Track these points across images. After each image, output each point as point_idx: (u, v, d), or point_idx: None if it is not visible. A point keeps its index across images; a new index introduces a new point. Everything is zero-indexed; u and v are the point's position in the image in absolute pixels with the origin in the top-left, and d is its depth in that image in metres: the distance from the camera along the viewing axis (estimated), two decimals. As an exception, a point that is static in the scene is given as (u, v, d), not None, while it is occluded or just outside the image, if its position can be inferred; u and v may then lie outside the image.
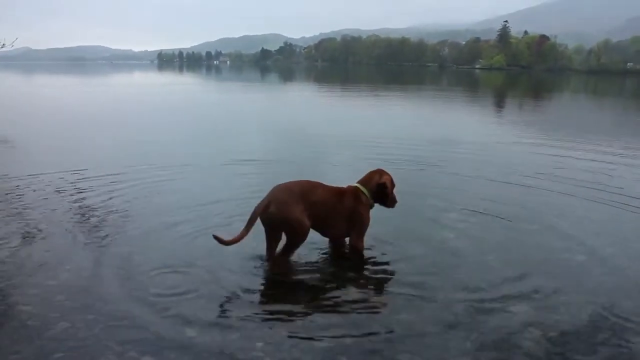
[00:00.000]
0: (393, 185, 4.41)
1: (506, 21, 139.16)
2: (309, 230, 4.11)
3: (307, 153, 9.12)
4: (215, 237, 3.86)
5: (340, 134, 11.41)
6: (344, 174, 6.43)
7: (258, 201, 4.04)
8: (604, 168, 7.85)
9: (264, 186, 4.57)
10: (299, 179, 4.25)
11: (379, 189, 4.33)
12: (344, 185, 4.39)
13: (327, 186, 4.30)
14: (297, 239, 4.08)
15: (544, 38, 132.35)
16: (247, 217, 3.94)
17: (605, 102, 28.28)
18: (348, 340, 3.05)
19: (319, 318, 3.30)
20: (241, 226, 3.93)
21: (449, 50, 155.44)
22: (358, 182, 4.39)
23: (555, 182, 6.91)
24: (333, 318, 3.31)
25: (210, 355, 2.85)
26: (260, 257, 4.16)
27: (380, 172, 4.42)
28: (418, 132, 12.01)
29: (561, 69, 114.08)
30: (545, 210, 5.64)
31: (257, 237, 4.12)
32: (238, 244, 3.90)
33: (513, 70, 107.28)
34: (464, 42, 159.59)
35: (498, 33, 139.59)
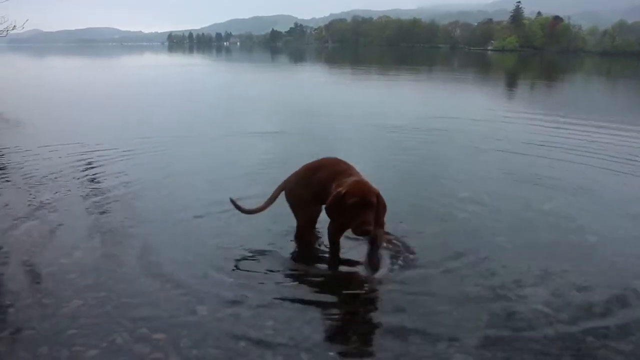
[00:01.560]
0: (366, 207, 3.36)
1: (519, 2, 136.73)
2: (313, 213, 4.02)
3: (318, 130, 9.10)
4: (233, 202, 4.02)
5: (352, 113, 11.36)
6: (355, 150, 6.41)
7: (269, 172, 4.08)
8: (620, 148, 7.76)
9: (270, 157, 4.57)
10: (332, 158, 3.98)
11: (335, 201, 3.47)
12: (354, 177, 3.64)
13: (332, 168, 3.82)
14: (299, 221, 4.06)
15: (557, 19, 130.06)
16: (263, 188, 4.00)
17: (620, 84, 27.86)
18: (358, 318, 3.07)
19: (329, 296, 3.31)
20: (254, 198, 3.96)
21: (460, 31, 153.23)
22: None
23: (568, 161, 6.84)
24: (343, 296, 3.33)
25: (221, 333, 2.88)
26: (273, 238, 4.18)
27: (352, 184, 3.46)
28: (427, 112, 11.92)
29: (575, 50, 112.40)
30: (558, 190, 5.59)
31: (273, 217, 4.13)
32: (255, 215, 4.07)
33: (526, 52, 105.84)
34: (475, 24, 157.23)
35: (511, 14, 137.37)
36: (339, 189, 3.44)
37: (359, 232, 3.34)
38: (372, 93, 17.55)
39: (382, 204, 3.49)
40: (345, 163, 3.85)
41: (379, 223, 3.50)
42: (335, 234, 3.77)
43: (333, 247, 3.84)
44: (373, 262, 3.61)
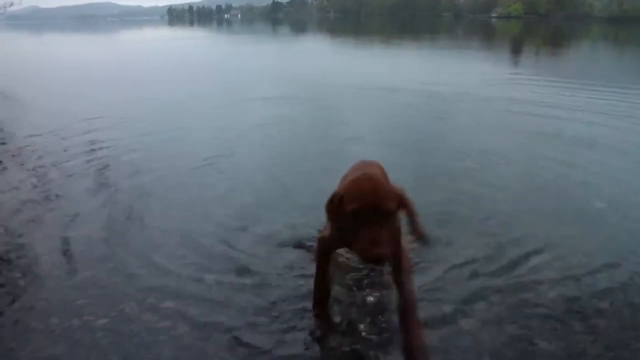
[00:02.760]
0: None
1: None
2: None
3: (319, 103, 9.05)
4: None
5: (354, 82, 11.27)
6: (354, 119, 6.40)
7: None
8: (624, 114, 7.69)
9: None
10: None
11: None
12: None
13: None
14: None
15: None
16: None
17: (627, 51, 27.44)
18: (362, 294, 3.07)
19: (337, 274, 3.31)
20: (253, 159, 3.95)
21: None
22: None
23: (572, 129, 6.79)
24: (349, 271, 3.33)
25: (228, 300, 2.91)
26: (281, 205, 4.20)
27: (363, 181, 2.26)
28: (430, 81, 11.81)
29: (581, 16, 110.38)
30: (562, 158, 5.56)
31: (283, 188, 4.11)
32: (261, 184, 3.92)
33: (531, 19, 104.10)
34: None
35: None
36: (337, 190, 2.35)
37: (367, 257, 2.14)
38: (376, 63, 17.37)
39: (412, 211, 2.45)
40: (374, 165, 2.67)
41: (402, 248, 2.44)
42: (323, 251, 2.67)
43: (318, 270, 2.71)
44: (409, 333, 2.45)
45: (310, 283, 2.83)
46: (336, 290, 2.92)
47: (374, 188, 2.17)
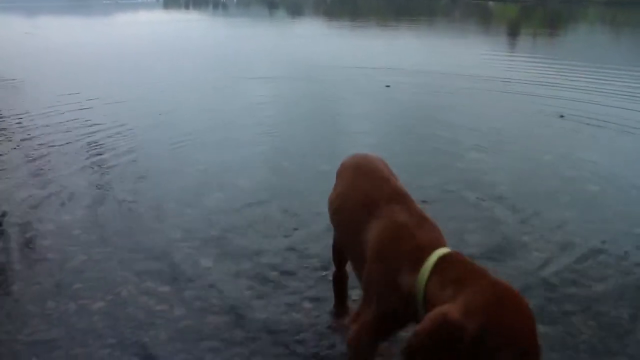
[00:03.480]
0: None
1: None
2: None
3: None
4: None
5: (351, 64, 11.20)
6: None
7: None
8: (620, 96, 7.67)
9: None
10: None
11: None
12: None
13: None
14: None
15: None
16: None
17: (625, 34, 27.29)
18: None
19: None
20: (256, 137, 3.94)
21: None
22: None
23: (567, 110, 6.77)
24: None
25: (225, 283, 2.92)
26: (274, 190, 4.19)
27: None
28: (428, 63, 11.75)
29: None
30: (558, 140, 5.56)
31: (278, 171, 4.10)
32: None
33: (529, 2, 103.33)
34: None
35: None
36: (448, 309, 1.35)
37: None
38: (373, 44, 17.24)
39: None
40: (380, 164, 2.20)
41: None
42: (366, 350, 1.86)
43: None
44: None
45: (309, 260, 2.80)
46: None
47: (532, 322, 1.33)
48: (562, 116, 6.15)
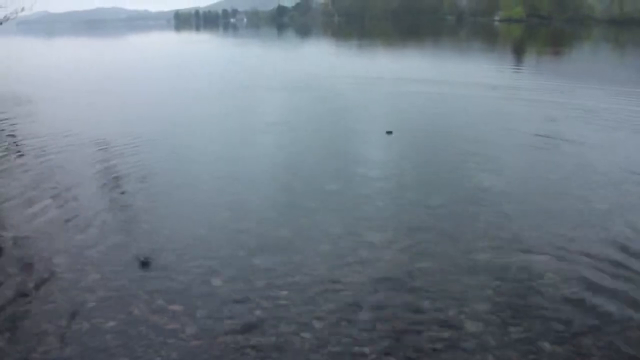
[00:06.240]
0: None
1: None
2: None
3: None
4: None
5: (355, 77, 11.32)
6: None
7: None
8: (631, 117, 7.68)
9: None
10: None
11: None
12: None
13: None
14: None
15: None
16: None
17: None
18: (368, 288, 3.11)
19: (340, 268, 3.35)
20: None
21: (467, 1, 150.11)
22: None
23: (578, 129, 6.79)
24: (354, 266, 3.36)
25: (235, 303, 2.94)
26: (288, 211, 4.23)
27: None
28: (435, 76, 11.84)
29: (582, 18, 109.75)
30: (566, 160, 5.57)
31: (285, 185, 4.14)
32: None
33: (533, 22, 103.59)
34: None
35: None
36: None
37: None
38: (380, 64, 17.39)
39: None
40: None
41: None
42: None
43: None
44: None
45: (319, 282, 2.83)
46: None
47: None
48: None
